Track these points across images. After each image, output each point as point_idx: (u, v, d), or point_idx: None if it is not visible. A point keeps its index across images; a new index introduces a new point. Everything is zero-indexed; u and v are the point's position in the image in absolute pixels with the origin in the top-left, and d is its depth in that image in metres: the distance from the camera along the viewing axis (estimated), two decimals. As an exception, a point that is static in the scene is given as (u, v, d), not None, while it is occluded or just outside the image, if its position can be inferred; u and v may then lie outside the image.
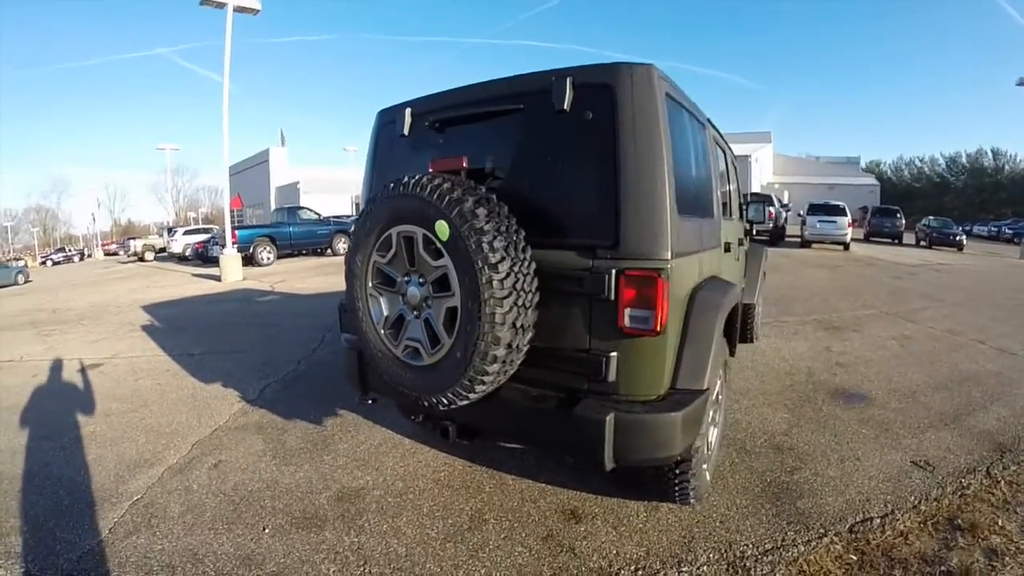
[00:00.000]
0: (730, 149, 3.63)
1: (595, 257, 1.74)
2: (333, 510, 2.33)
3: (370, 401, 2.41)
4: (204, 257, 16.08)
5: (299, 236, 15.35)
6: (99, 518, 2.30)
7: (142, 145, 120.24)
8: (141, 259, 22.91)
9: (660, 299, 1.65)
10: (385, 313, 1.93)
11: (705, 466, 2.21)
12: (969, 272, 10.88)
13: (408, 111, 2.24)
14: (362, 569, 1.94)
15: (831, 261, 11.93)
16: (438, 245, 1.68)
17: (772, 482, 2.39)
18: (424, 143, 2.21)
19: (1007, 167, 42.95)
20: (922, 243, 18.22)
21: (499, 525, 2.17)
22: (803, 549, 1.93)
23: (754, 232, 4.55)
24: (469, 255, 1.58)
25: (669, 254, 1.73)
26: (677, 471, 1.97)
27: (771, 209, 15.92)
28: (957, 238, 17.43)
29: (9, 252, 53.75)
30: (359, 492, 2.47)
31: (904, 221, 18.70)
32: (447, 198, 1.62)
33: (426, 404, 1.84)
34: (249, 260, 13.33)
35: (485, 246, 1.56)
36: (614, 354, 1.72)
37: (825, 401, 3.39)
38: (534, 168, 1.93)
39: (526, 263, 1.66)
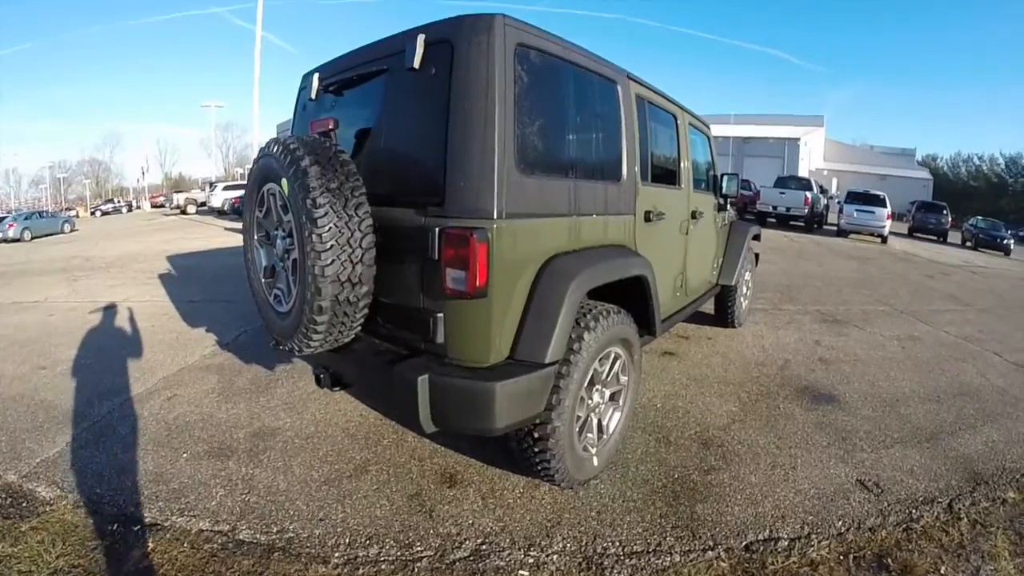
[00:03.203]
0: (688, 114, 3.02)
1: (426, 215, 1.52)
2: (245, 445, 2.26)
3: (283, 348, 2.28)
4: (239, 212, 15.91)
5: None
6: (61, 434, 2.39)
7: (196, 101, 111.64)
8: (183, 212, 22.17)
9: (472, 260, 1.41)
10: (264, 263, 1.84)
11: (593, 450, 1.91)
12: (1009, 278, 9.13)
13: (316, 76, 2.08)
14: (244, 496, 1.91)
15: (864, 253, 10.54)
16: (286, 201, 1.56)
17: (679, 479, 2.02)
18: (323, 106, 2.08)
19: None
20: (967, 243, 15.74)
21: (377, 477, 2.01)
22: (678, 559, 1.59)
23: (732, 207, 3.79)
24: (299, 211, 1.47)
25: (496, 214, 1.46)
26: (535, 448, 1.68)
27: (807, 195, 14.24)
28: (1004, 241, 14.82)
29: (62, 203, 51.54)
30: (274, 432, 2.37)
31: (950, 218, 16.20)
32: (288, 158, 1.52)
33: (286, 348, 1.75)
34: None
35: (309, 203, 1.46)
36: (441, 315, 1.52)
37: (787, 399, 2.89)
38: (391, 127, 1.77)
39: (355, 220, 1.49)
